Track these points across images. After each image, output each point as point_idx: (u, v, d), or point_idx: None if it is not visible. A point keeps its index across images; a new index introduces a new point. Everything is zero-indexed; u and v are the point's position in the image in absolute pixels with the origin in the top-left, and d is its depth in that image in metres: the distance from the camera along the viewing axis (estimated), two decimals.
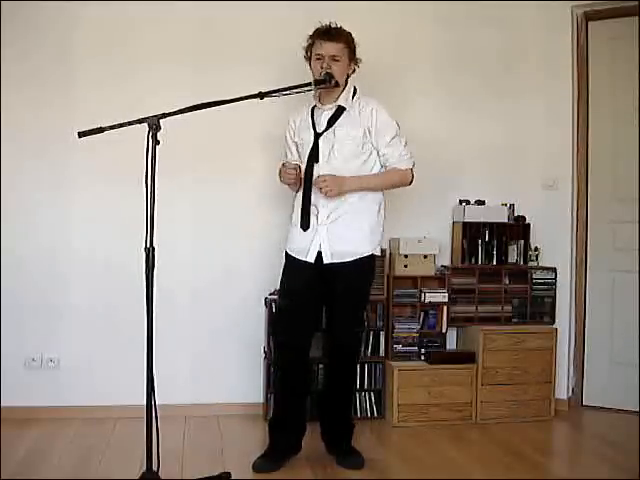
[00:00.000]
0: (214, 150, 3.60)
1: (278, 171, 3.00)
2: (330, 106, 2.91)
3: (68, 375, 3.52)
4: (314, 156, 2.88)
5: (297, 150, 3.02)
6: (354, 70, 2.95)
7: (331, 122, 2.89)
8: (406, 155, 2.95)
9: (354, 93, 2.94)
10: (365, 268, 2.97)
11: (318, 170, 2.87)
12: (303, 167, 2.94)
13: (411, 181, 3.01)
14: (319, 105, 2.93)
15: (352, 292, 2.95)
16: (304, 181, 2.90)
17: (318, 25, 2.90)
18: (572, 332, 3.95)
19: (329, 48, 2.83)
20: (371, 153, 2.93)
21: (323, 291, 2.94)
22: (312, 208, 2.89)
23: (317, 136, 2.90)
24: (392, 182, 2.99)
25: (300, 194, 2.95)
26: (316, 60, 2.86)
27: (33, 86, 3.46)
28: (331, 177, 2.82)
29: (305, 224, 2.89)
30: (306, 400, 3.03)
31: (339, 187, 2.81)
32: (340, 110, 2.90)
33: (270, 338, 3.43)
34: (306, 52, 2.94)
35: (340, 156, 2.87)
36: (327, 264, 2.88)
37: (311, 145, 2.89)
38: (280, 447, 2.94)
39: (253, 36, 3.60)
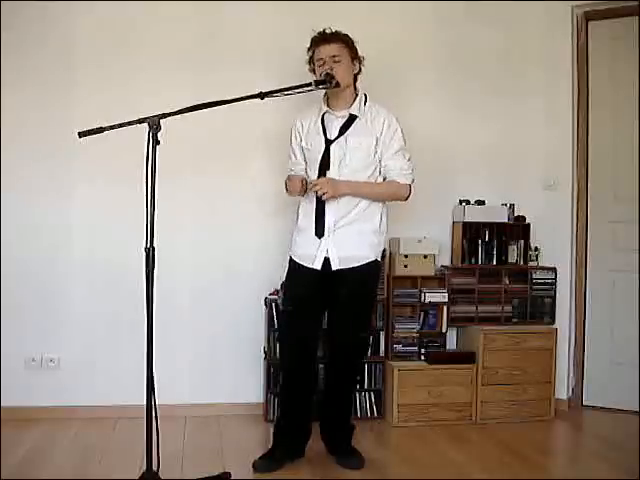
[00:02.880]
0: (214, 150, 3.60)
1: (285, 183, 3.01)
2: (342, 113, 2.90)
3: (68, 375, 3.53)
4: (325, 164, 2.87)
5: (303, 155, 2.99)
6: (360, 70, 2.94)
7: (343, 130, 2.88)
8: (408, 170, 2.94)
9: (365, 100, 2.93)
10: (371, 273, 2.97)
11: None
12: (310, 173, 2.94)
13: (408, 197, 2.99)
14: (330, 111, 2.91)
15: (357, 297, 2.95)
16: None
17: (317, 27, 2.89)
18: (572, 332, 3.95)
19: (327, 50, 2.83)
20: (377, 165, 2.93)
21: (326, 296, 2.94)
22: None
23: (328, 143, 2.89)
24: (387, 193, 2.97)
25: (306, 201, 2.94)
26: (319, 66, 2.85)
27: (33, 86, 3.46)
28: (324, 180, 2.82)
29: (320, 231, 2.88)
30: (311, 404, 3.01)
31: (333, 189, 2.80)
32: (352, 118, 2.89)
33: (270, 337, 3.44)
34: (309, 63, 2.94)
35: (351, 164, 2.86)
36: (334, 270, 2.88)
37: (322, 152, 2.88)
38: (282, 451, 2.94)
39: (253, 36, 3.60)
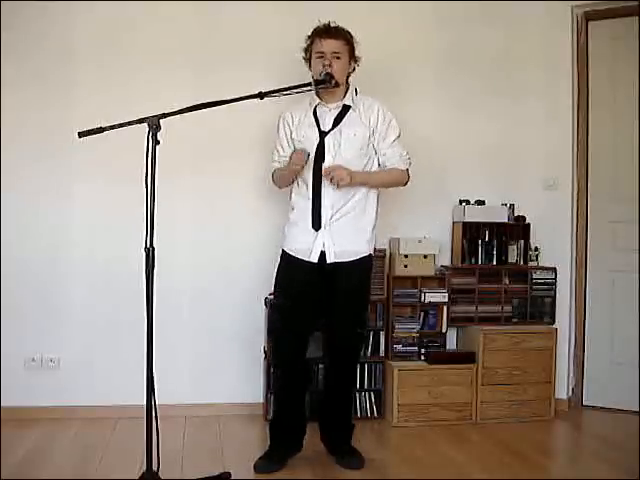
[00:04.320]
0: (214, 150, 3.60)
1: (272, 175, 3.01)
2: (335, 105, 2.91)
3: (68, 375, 3.53)
4: (321, 155, 2.87)
5: (292, 147, 2.97)
6: (354, 69, 2.95)
7: (337, 121, 2.89)
8: (406, 156, 2.99)
9: (356, 92, 2.95)
10: (366, 268, 2.99)
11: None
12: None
13: (407, 182, 3.04)
14: (323, 104, 2.92)
15: (354, 292, 2.96)
16: (313, 180, 2.87)
17: (318, 25, 2.89)
18: (572, 332, 3.95)
19: (330, 45, 2.82)
20: (371, 155, 2.95)
21: (322, 290, 2.94)
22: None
23: (323, 135, 2.89)
24: (393, 180, 3.03)
25: (299, 194, 2.94)
26: (317, 58, 2.85)
27: (33, 86, 3.46)
28: (339, 166, 2.82)
29: (317, 224, 2.88)
30: (305, 398, 3.03)
31: (349, 176, 2.79)
32: (345, 109, 2.90)
33: (269, 337, 3.43)
34: (305, 52, 2.94)
35: (345, 155, 2.87)
36: (330, 263, 2.88)
37: (316, 144, 2.88)
38: (281, 447, 2.94)
39: (253, 36, 3.60)
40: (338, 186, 2.80)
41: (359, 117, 2.91)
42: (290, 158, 2.90)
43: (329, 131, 2.88)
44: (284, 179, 3.03)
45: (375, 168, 2.98)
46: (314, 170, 2.87)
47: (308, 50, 2.92)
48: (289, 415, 2.98)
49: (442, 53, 3.80)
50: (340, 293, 2.93)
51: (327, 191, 2.86)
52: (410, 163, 3.01)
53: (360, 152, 2.91)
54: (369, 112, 2.91)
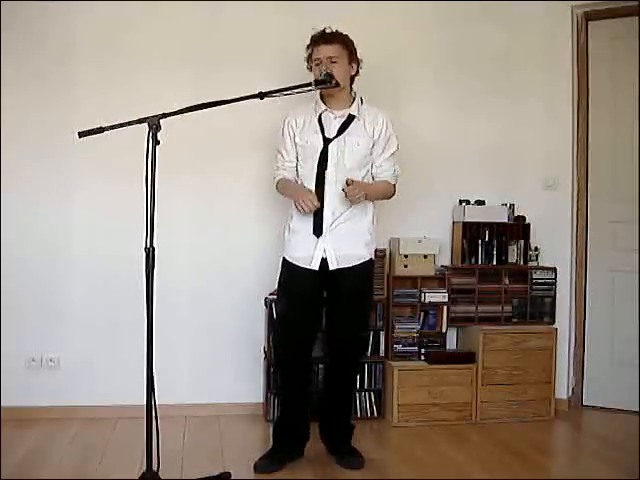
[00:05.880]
0: (214, 150, 3.60)
1: (276, 185, 3.01)
2: (341, 113, 2.91)
3: (68, 375, 3.53)
4: (324, 162, 2.87)
5: (295, 151, 2.98)
6: (357, 72, 2.95)
7: (342, 129, 2.89)
8: (398, 172, 3.03)
9: (361, 102, 2.96)
10: (367, 272, 2.99)
11: (327, 176, 2.86)
12: (303, 171, 2.94)
13: (392, 195, 3.08)
14: (329, 111, 2.92)
15: (357, 296, 2.96)
16: (316, 187, 2.87)
17: (317, 27, 2.89)
18: (572, 332, 3.95)
19: (325, 50, 2.83)
20: (370, 165, 2.97)
21: (324, 296, 2.95)
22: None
23: (327, 142, 2.89)
24: (386, 194, 3.06)
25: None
26: (316, 65, 2.86)
27: (34, 86, 3.46)
28: (357, 182, 2.84)
29: (318, 230, 2.88)
30: (308, 403, 3.02)
31: (364, 194, 2.82)
32: (350, 118, 2.90)
33: (270, 337, 3.43)
34: (307, 62, 2.94)
35: (348, 164, 2.88)
36: (332, 270, 2.88)
37: (320, 150, 2.88)
38: (283, 451, 2.94)
39: (254, 36, 3.60)
40: (352, 202, 2.83)
41: (363, 127, 2.92)
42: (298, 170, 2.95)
43: (333, 138, 2.89)
44: (287, 196, 3.02)
45: (369, 178, 2.99)
46: (316, 177, 2.87)
47: (308, 60, 2.93)
48: (292, 417, 2.98)
49: (442, 53, 3.80)
50: (343, 297, 2.93)
51: (329, 198, 2.86)
52: (397, 180, 3.04)
53: (362, 161, 2.93)
54: (374, 123, 2.93)
